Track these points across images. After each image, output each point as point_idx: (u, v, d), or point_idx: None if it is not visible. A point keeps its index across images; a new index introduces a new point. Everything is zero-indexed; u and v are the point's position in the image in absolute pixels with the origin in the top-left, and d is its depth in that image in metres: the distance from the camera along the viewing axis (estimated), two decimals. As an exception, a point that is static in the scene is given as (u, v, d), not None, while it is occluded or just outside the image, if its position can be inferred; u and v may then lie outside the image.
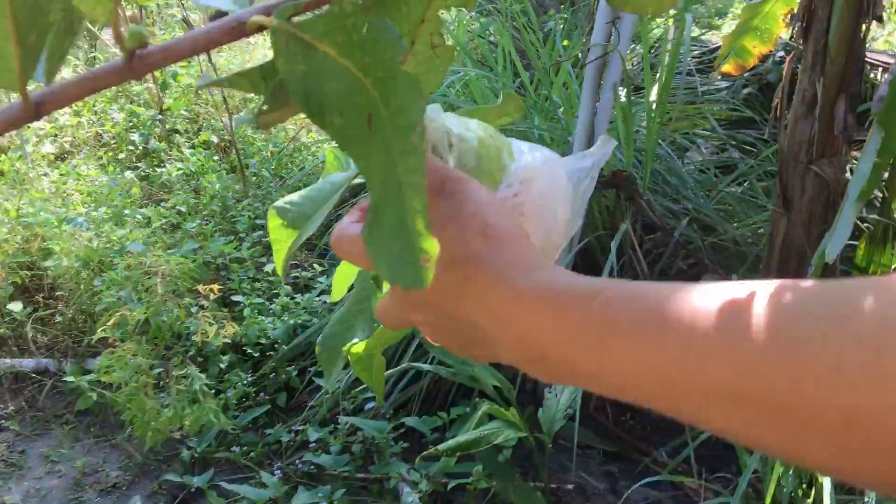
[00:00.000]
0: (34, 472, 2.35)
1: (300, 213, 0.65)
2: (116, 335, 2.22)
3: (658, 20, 4.34)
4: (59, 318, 2.75)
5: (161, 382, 2.28)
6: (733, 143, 3.70)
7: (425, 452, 1.77)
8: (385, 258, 0.45)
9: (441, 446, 1.72)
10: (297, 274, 2.97)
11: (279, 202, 0.67)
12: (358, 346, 0.76)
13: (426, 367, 2.14)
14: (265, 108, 0.49)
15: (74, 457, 2.37)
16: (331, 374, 0.75)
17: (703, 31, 4.98)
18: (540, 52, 3.22)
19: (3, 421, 2.50)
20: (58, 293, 2.80)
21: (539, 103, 3.08)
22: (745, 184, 3.29)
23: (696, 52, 4.73)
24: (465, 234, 0.48)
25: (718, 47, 4.10)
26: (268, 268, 2.93)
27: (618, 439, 2.54)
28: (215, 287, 2.35)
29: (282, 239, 0.72)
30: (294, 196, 0.68)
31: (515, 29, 3.47)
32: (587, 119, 2.33)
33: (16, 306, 2.69)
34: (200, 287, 2.34)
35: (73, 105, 3.67)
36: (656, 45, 4.41)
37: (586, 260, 2.69)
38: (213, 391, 2.43)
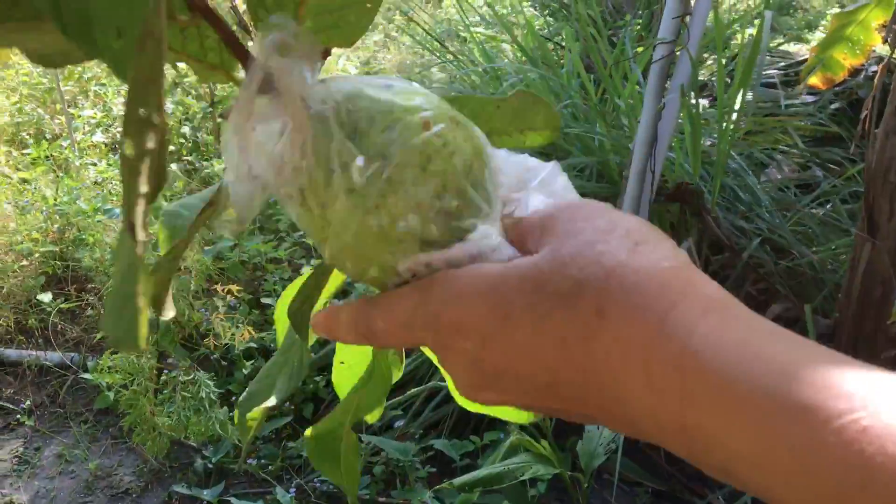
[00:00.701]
0: (47, 471, 2.25)
1: (180, 227, 0.49)
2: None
3: (736, 25, 4.07)
4: (89, 312, 2.66)
5: (167, 387, 2.15)
6: (817, 161, 3.42)
7: (438, 486, 1.58)
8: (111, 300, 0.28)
9: (457, 480, 1.53)
10: (334, 278, 2.83)
11: (172, 206, 0.50)
12: (318, 425, 0.57)
13: (456, 387, 1.96)
14: None
15: (89, 458, 2.27)
16: (249, 434, 0.57)
17: (787, 41, 4.68)
18: (605, 56, 3.01)
19: (21, 416, 2.41)
20: (90, 285, 2.72)
21: (601, 108, 2.87)
22: (828, 205, 3.01)
23: (781, 64, 4.44)
24: (599, 245, 0.33)
25: (805, 60, 3.82)
26: (305, 269, 2.79)
27: (670, 477, 2.31)
28: (234, 288, 2.21)
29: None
30: (190, 198, 0.52)
31: (587, 31, 3.27)
32: (650, 124, 2.12)
33: (45, 297, 2.62)
34: (219, 287, 2.21)
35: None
36: (736, 55, 4.15)
37: (643, 279, 2.47)
38: (234, 397, 2.30)
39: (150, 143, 0.27)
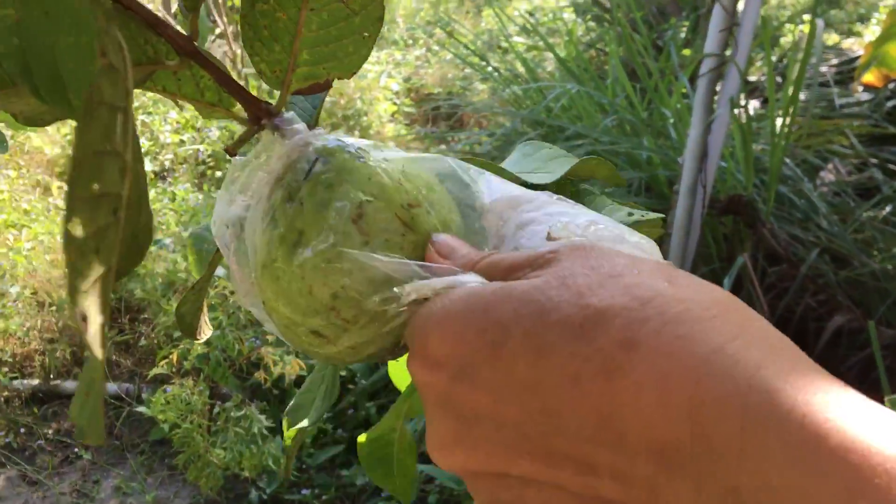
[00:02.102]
0: (105, 503, 2.28)
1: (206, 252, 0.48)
2: (174, 369, 2.12)
3: (788, 26, 3.97)
4: (142, 342, 2.69)
5: (220, 418, 2.16)
6: (875, 162, 3.30)
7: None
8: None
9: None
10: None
11: (198, 228, 0.50)
12: (371, 431, 0.57)
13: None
14: None
15: (146, 489, 2.28)
16: (292, 455, 0.58)
17: (843, 38, 4.55)
18: (648, 64, 2.95)
19: (80, 449, 2.44)
20: (142, 316, 2.75)
21: (647, 119, 2.81)
22: (888, 209, 2.90)
23: (834, 62, 4.31)
24: (626, 278, 0.27)
25: (859, 56, 3.71)
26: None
27: None
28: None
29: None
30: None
31: (630, 39, 3.21)
32: (699, 137, 2.06)
33: (100, 329, 2.65)
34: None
35: (173, 123, 3.66)
36: (785, 54, 4.05)
37: (698, 295, 2.40)
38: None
39: (106, 218, 0.25)
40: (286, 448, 0.59)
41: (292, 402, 0.58)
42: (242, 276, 0.40)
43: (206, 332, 0.55)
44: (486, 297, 0.28)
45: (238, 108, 0.42)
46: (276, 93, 0.42)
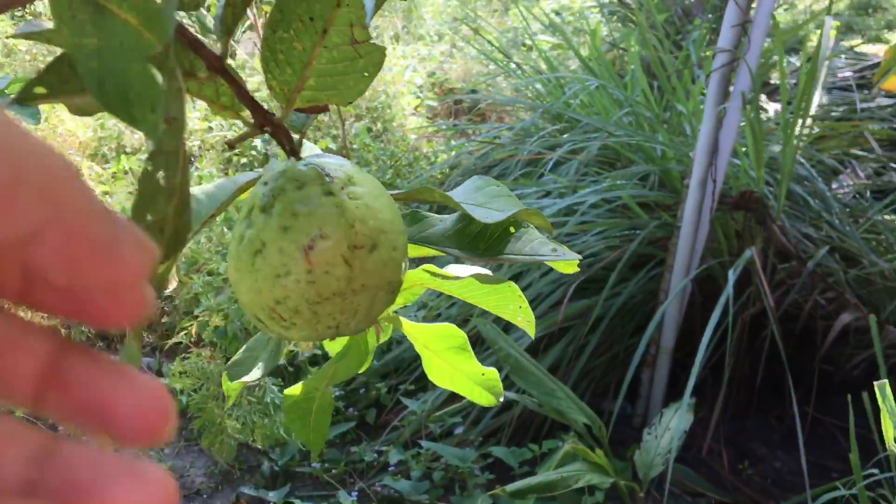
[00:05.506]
0: (124, 471, 2.36)
1: (195, 212, 0.55)
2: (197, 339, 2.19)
3: (811, 25, 3.97)
4: (165, 319, 2.78)
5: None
6: (894, 166, 3.32)
7: (491, 492, 1.61)
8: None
9: (510, 487, 1.55)
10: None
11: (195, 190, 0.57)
12: (294, 388, 0.65)
13: (512, 395, 1.98)
14: (43, 90, 0.37)
15: (163, 459, 2.36)
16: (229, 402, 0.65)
17: (865, 41, 4.55)
18: (664, 60, 2.99)
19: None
20: (165, 293, 2.83)
21: (662, 115, 2.85)
22: (902, 211, 2.92)
23: (858, 66, 4.32)
24: None
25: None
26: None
27: (733, 490, 2.28)
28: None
29: None
30: (196, 190, 0.57)
31: (646, 35, 3.25)
32: (710, 132, 2.11)
33: (124, 304, 2.74)
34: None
35: (201, 110, 3.76)
36: (810, 58, 4.06)
37: (705, 288, 2.45)
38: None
39: (169, 208, 0.31)
40: (228, 391, 0.66)
41: (234, 358, 0.65)
42: None
43: (173, 283, 0.63)
44: None
45: (247, 113, 0.49)
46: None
